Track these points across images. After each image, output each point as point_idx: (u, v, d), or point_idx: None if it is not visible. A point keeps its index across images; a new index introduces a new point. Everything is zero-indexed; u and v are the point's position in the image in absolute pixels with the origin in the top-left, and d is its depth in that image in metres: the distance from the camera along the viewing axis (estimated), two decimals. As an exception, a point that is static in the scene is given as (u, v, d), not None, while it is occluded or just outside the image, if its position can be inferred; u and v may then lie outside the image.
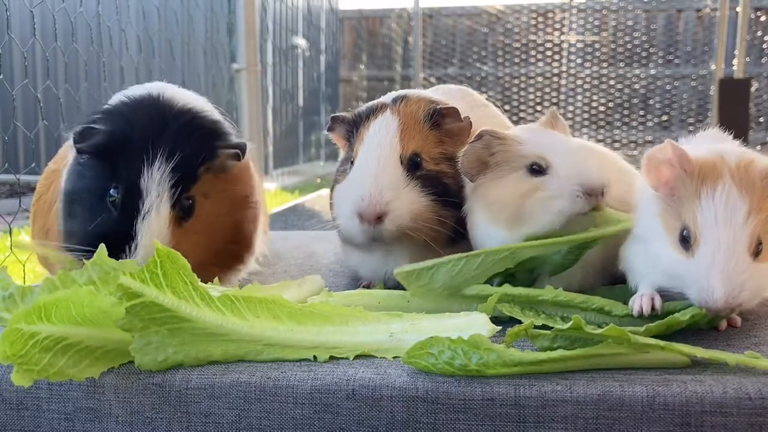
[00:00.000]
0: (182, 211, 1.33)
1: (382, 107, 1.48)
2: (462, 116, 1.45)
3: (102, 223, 1.30)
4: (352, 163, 1.45)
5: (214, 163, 1.38)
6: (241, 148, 1.42)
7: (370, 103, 1.54)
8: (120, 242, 1.27)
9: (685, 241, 1.11)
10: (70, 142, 1.43)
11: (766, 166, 1.11)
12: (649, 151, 1.18)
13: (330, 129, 1.57)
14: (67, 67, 3.08)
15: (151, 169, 1.31)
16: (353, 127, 1.51)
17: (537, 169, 1.28)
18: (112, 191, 1.32)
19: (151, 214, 1.29)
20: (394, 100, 1.50)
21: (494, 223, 1.31)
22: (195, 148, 1.35)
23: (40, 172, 1.75)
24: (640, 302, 1.16)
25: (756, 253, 1.08)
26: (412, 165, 1.40)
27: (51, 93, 2.94)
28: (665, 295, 1.16)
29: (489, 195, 1.33)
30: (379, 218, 1.34)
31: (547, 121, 1.42)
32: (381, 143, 1.41)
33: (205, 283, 1.15)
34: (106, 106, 1.44)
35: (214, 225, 1.39)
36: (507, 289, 1.24)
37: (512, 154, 1.30)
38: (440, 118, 1.45)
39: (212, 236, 1.39)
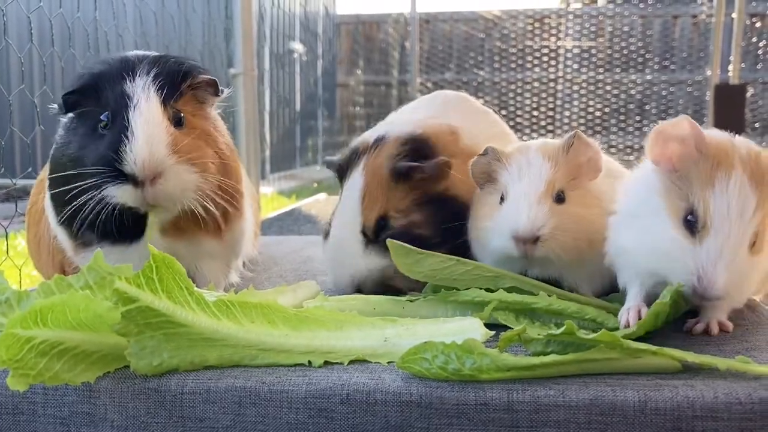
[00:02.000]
0: (174, 119, 1.33)
1: (361, 155, 1.51)
2: (433, 162, 1.43)
3: (98, 145, 1.28)
4: (330, 224, 1.56)
5: (195, 82, 1.39)
6: (214, 80, 1.44)
7: (356, 144, 1.57)
8: (116, 144, 1.24)
9: (691, 225, 1.09)
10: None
11: None
12: (661, 124, 1.15)
13: (328, 167, 1.65)
14: (64, 72, 3.08)
15: (133, 81, 1.31)
16: (341, 176, 1.57)
17: (502, 198, 1.34)
18: (101, 118, 1.30)
19: (141, 104, 1.28)
20: (372, 146, 1.51)
21: (476, 239, 1.40)
22: (173, 67, 1.37)
23: (36, 176, 1.76)
24: (626, 316, 1.17)
25: (752, 245, 1.09)
26: (378, 229, 1.45)
27: (48, 98, 2.95)
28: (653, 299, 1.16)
29: (478, 209, 1.41)
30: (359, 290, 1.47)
31: (564, 144, 1.36)
32: (346, 214, 1.49)
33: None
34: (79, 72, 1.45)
35: (207, 141, 1.38)
36: (502, 295, 1.25)
37: (500, 176, 1.36)
38: (407, 175, 1.44)
39: (208, 150, 1.36)
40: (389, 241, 1.31)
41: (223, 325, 1.07)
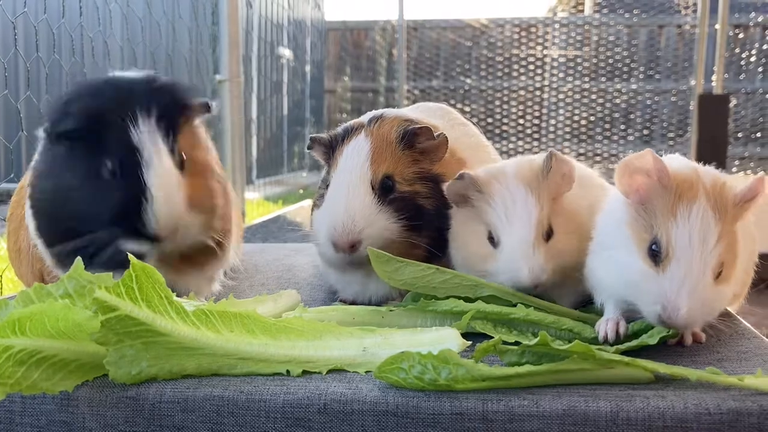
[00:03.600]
0: (178, 162, 1.34)
1: (358, 128, 1.49)
2: (437, 133, 1.46)
3: (107, 195, 1.28)
4: (327, 186, 1.48)
5: (191, 114, 1.41)
6: (206, 103, 1.45)
7: (348, 124, 1.55)
8: (134, 203, 1.26)
9: (655, 255, 1.13)
10: (39, 144, 1.42)
11: (738, 192, 1.14)
12: (627, 158, 1.19)
13: (309, 148, 1.58)
14: (49, 78, 3.07)
15: (138, 128, 1.30)
16: (330, 150, 1.53)
17: (491, 238, 1.34)
18: (107, 162, 1.29)
19: (154, 162, 1.29)
20: (370, 121, 1.51)
21: (464, 264, 1.39)
22: (170, 102, 1.37)
23: (18, 181, 1.75)
24: (605, 327, 1.19)
25: (717, 276, 1.11)
26: (384, 189, 1.42)
27: (32, 104, 2.94)
28: (630, 316, 1.19)
29: (462, 233, 1.41)
30: (353, 246, 1.37)
31: (539, 169, 1.36)
32: (352, 168, 1.43)
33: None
34: (66, 96, 1.40)
35: (206, 174, 1.41)
36: (480, 305, 1.26)
37: (482, 207, 1.36)
38: (413, 138, 1.46)
39: (209, 182, 1.41)
40: (369, 249, 1.32)
41: (202, 334, 1.08)
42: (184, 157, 1.36)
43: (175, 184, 1.30)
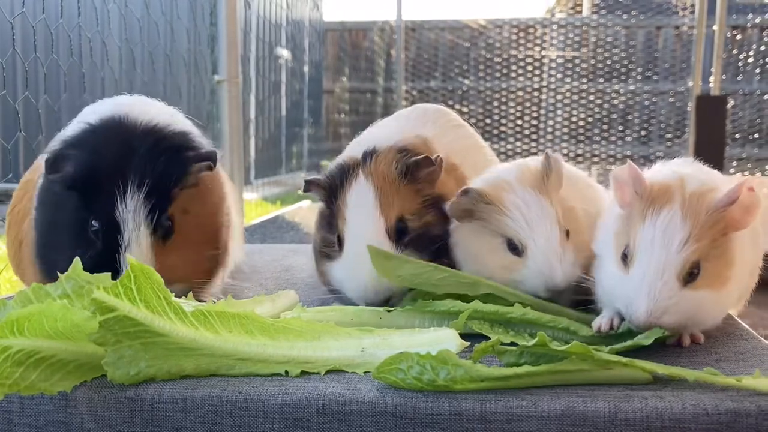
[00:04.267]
0: (163, 233, 1.35)
1: (354, 168, 1.46)
2: (434, 157, 1.45)
3: (87, 256, 1.29)
4: (339, 240, 1.45)
5: (187, 180, 1.40)
6: (212, 158, 1.43)
7: (341, 162, 1.51)
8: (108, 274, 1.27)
9: (624, 258, 1.17)
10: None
11: (716, 203, 1.14)
12: (615, 171, 1.24)
13: (306, 190, 1.53)
14: (47, 78, 3.07)
15: (124, 201, 1.32)
16: (330, 195, 1.49)
17: (514, 247, 1.34)
18: (93, 222, 1.33)
19: (132, 246, 1.31)
20: (365, 159, 1.47)
21: (479, 275, 1.36)
22: (166, 170, 1.37)
23: (17, 181, 1.75)
24: (600, 321, 1.21)
25: (689, 276, 1.13)
26: (399, 232, 1.42)
27: (30, 104, 2.94)
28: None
29: (473, 247, 1.40)
30: (387, 301, 1.39)
31: (541, 171, 1.38)
32: (364, 221, 1.42)
33: (192, 291, 1.24)
34: (73, 132, 1.45)
35: (195, 238, 1.41)
36: (477, 305, 1.26)
37: (494, 219, 1.35)
38: (415, 171, 1.45)
39: (194, 249, 1.41)
40: (369, 246, 1.32)
41: (201, 335, 1.08)
42: (172, 223, 1.37)
43: (149, 263, 1.29)
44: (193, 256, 1.40)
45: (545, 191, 1.35)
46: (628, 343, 1.13)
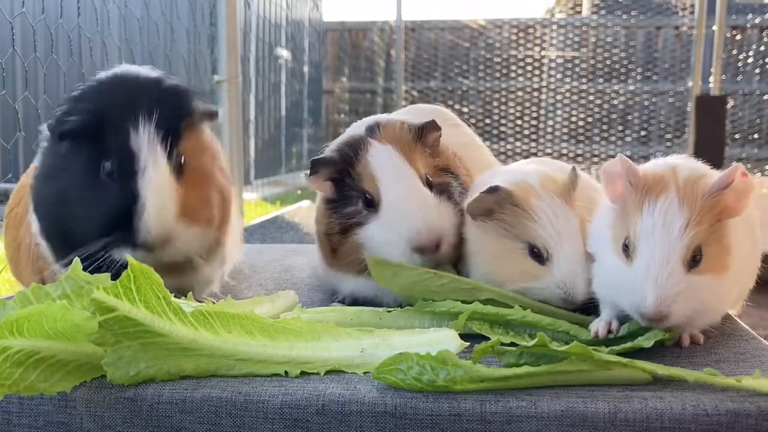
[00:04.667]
0: (177, 167, 1.34)
1: (363, 140, 1.44)
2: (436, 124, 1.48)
3: (103, 199, 1.29)
4: (370, 201, 1.40)
5: (194, 119, 1.40)
6: (213, 110, 1.45)
7: (344, 140, 1.50)
8: (125, 209, 1.26)
9: (626, 250, 1.16)
10: (43, 141, 1.42)
11: (711, 187, 1.14)
12: (605, 165, 1.24)
13: (313, 173, 1.46)
14: (47, 78, 3.07)
15: (137, 132, 1.30)
16: (345, 167, 1.44)
17: (537, 254, 1.32)
18: (105, 164, 1.30)
19: (149, 169, 1.29)
20: (370, 130, 1.46)
21: (492, 279, 1.36)
22: (173, 106, 1.37)
23: (16, 181, 1.75)
24: (597, 326, 1.21)
25: (693, 262, 1.12)
26: (429, 185, 1.42)
27: (30, 104, 2.94)
28: (627, 319, 1.20)
29: (489, 248, 1.37)
30: (438, 246, 1.35)
31: (567, 183, 1.38)
32: (398, 173, 1.39)
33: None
34: (74, 93, 1.42)
35: (206, 180, 1.41)
36: (477, 306, 1.26)
37: (520, 223, 1.33)
38: (425, 133, 1.47)
39: (205, 191, 1.40)
40: (368, 257, 1.33)
41: (201, 335, 1.08)
42: (183, 161, 1.36)
43: (169, 193, 1.29)
44: (204, 196, 1.39)
45: (570, 203, 1.35)
46: (628, 345, 1.12)
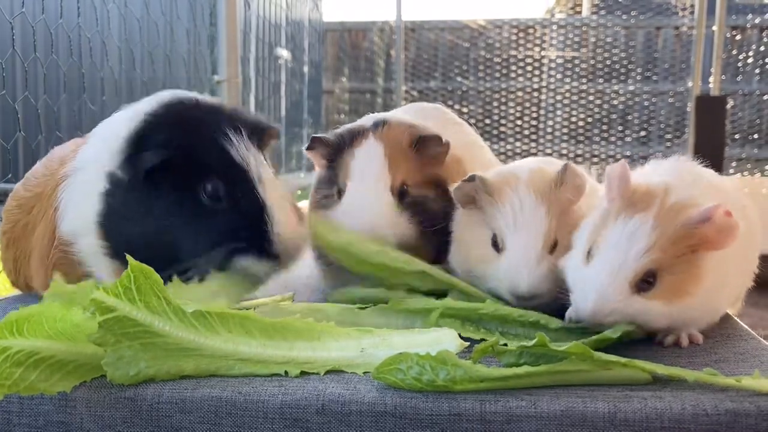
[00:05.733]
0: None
1: (364, 132, 1.49)
2: (443, 140, 1.48)
3: (212, 218, 1.22)
4: (339, 191, 1.47)
5: (272, 134, 1.39)
6: (276, 131, 1.43)
7: (350, 127, 1.55)
8: (255, 221, 1.23)
9: (590, 253, 1.20)
10: (101, 182, 1.30)
11: (689, 219, 1.14)
12: (611, 166, 1.24)
13: (310, 148, 1.57)
14: (47, 78, 3.07)
15: (238, 146, 1.26)
16: (336, 151, 1.52)
17: (495, 242, 1.34)
18: (207, 186, 1.23)
19: (263, 174, 1.25)
20: (375, 126, 1.51)
21: (462, 266, 1.40)
22: (252, 120, 1.35)
23: (16, 182, 1.73)
24: (569, 311, 1.22)
25: (645, 283, 1.14)
26: (401, 194, 1.44)
27: (29, 104, 2.94)
28: None
29: (464, 234, 1.42)
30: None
31: (553, 179, 1.36)
32: (370, 173, 1.44)
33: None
34: (132, 127, 1.30)
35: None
36: (449, 303, 1.28)
37: (489, 210, 1.35)
38: (424, 145, 1.48)
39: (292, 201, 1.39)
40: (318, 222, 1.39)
41: (201, 335, 1.08)
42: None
43: (289, 199, 1.29)
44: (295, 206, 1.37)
45: (548, 199, 1.32)
46: (596, 337, 1.13)
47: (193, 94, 1.39)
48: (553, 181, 1.34)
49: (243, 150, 1.27)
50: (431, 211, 1.46)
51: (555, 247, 1.32)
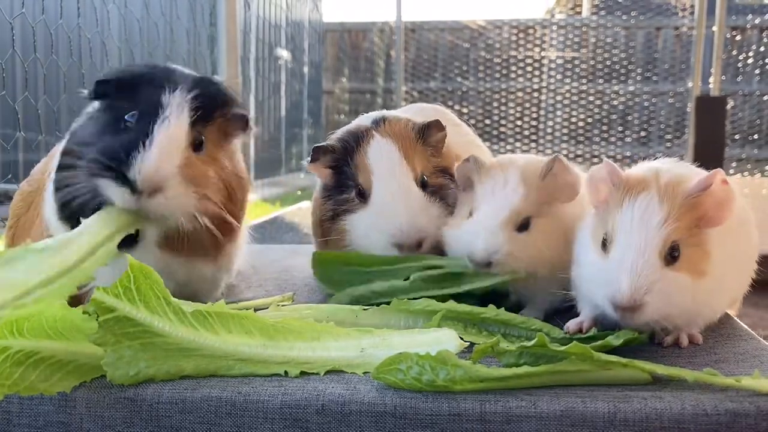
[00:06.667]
0: (196, 142, 1.33)
1: (367, 131, 1.49)
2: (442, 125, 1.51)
3: (114, 137, 1.27)
4: (361, 193, 1.46)
5: (227, 114, 1.40)
6: (249, 120, 1.44)
7: (348, 129, 1.54)
8: (128, 147, 1.23)
9: (604, 244, 1.17)
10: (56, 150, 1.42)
11: (689, 189, 1.15)
12: (590, 171, 1.25)
13: (314, 160, 1.52)
14: (47, 79, 3.07)
15: (170, 93, 1.30)
16: (343, 156, 1.50)
17: (470, 215, 1.37)
18: (127, 117, 1.29)
19: (171, 120, 1.27)
20: (375, 123, 1.51)
21: (448, 241, 1.41)
22: (213, 93, 1.37)
23: (17, 182, 1.75)
24: (570, 324, 1.23)
25: (670, 257, 1.12)
26: (422, 185, 1.45)
27: (30, 105, 2.94)
28: (601, 323, 1.21)
29: (457, 211, 1.45)
30: (420, 245, 1.41)
31: (543, 169, 1.37)
32: (394, 169, 1.44)
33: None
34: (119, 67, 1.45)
35: (219, 172, 1.37)
36: (451, 305, 1.28)
37: (476, 189, 1.39)
38: (428, 133, 1.50)
39: (218, 180, 1.36)
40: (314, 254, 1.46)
41: (200, 335, 1.08)
42: (203, 143, 1.34)
43: (178, 146, 1.27)
44: (213, 182, 1.34)
45: (531, 184, 1.34)
46: (598, 343, 1.12)
47: (186, 69, 1.47)
48: (540, 169, 1.36)
49: (172, 100, 1.30)
50: (449, 198, 1.48)
51: (526, 226, 1.32)
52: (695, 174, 1.24)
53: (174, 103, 1.30)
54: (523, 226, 1.33)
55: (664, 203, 1.14)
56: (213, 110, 1.36)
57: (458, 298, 1.32)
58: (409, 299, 1.31)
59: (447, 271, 1.36)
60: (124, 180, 1.22)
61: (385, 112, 1.59)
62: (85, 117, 1.43)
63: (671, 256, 1.12)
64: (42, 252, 1.11)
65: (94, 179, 1.24)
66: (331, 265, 1.49)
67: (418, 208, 1.41)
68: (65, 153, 1.37)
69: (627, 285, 1.09)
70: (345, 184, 1.49)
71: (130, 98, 1.32)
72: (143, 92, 1.32)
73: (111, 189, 1.23)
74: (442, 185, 1.48)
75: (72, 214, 1.29)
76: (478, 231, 1.31)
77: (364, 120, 1.57)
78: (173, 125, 1.27)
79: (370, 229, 1.43)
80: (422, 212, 1.41)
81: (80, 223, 1.22)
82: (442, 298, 1.31)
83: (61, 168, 1.35)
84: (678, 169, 1.26)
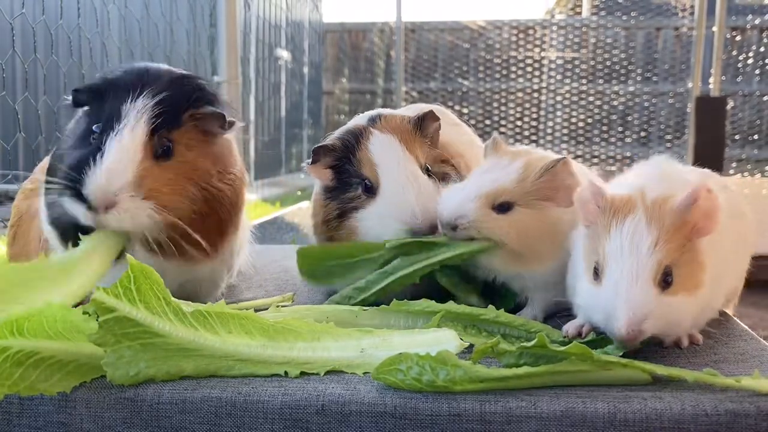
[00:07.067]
0: (160, 149, 1.30)
1: (365, 129, 1.50)
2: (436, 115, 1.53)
3: (80, 151, 1.28)
4: (368, 189, 1.45)
5: (199, 114, 1.35)
6: (225, 116, 1.37)
7: (346, 129, 1.55)
8: (85, 163, 1.23)
9: (596, 272, 1.15)
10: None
11: (676, 206, 1.13)
12: (577, 191, 1.24)
13: (315, 161, 1.51)
14: (47, 79, 3.07)
15: (134, 102, 1.29)
16: (344, 154, 1.49)
17: None
18: (94, 128, 1.30)
19: (124, 132, 1.26)
20: (372, 120, 1.52)
21: None
22: (179, 94, 1.34)
23: (16, 182, 1.76)
24: (569, 326, 1.22)
25: (664, 283, 1.10)
26: (427, 173, 1.47)
27: (30, 105, 2.94)
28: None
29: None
30: (434, 228, 1.41)
31: (543, 167, 1.36)
32: (401, 160, 1.45)
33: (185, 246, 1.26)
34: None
35: (192, 176, 1.33)
36: (451, 306, 1.27)
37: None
38: (424, 123, 1.52)
39: (188, 186, 1.32)
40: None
41: (200, 336, 1.08)
42: (171, 148, 1.31)
43: (129, 158, 1.25)
44: (180, 188, 1.31)
45: (525, 176, 1.34)
46: (599, 351, 1.10)
47: (163, 65, 1.45)
48: (542, 166, 1.34)
49: (131, 109, 1.29)
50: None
51: (507, 209, 1.32)
52: (681, 183, 1.21)
53: (133, 111, 1.28)
54: (504, 208, 1.32)
55: (652, 225, 1.11)
56: (182, 112, 1.34)
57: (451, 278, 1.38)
58: (394, 283, 1.35)
59: (421, 240, 1.37)
60: (80, 197, 1.23)
61: (380, 110, 1.60)
62: (73, 122, 1.45)
63: (665, 281, 1.10)
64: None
65: (61, 198, 1.26)
66: (314, 260, 1.49)
67: (428, 193, 1.41)
68: (49, 168, 1.40)
69: (624, 319, 1.06)
70: (348, 182, 1.48)
71: (100, 107, 1.33)
72: (108, 101, 1.32)
73: (73, 207, 1.25)
74: (444, 174, 1.50)
75: (62, 231, 1.33)
76: (447, 198, 1.37)
77: (360, 119, 1.57)
78: (126, 137, 1.26)
79: (383, 219, 1.42)
80: (433, 197, 1.41)
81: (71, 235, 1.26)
82: (441, 299, 1.31)
83: (46, 183, 1.35)
84: (664, 181, 1.22)
